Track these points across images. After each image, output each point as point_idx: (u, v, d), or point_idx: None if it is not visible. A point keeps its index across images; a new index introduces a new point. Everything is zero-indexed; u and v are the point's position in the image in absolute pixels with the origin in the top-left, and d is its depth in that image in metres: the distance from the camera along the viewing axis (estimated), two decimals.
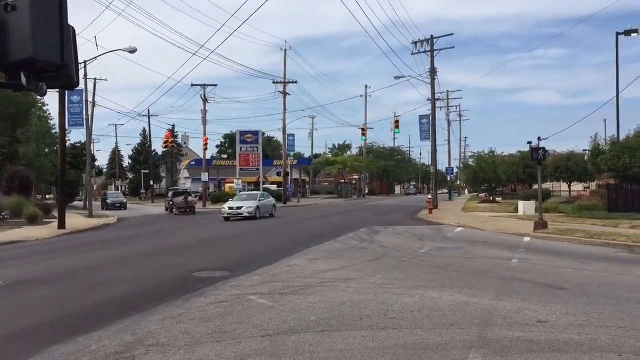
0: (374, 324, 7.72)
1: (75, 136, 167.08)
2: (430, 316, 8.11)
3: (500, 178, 54.02)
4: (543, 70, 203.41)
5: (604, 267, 13.05)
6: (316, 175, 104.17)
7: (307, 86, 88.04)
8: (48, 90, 3.57)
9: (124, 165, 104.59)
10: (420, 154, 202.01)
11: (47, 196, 72.89)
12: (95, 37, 71.25)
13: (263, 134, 71.52)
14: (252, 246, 18.96)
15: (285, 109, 58.09)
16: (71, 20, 3.55)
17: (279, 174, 70.33)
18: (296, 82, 59.41)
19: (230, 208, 33.42)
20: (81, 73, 37.85)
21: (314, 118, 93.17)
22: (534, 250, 16.55)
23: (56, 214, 30.22)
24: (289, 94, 57.89)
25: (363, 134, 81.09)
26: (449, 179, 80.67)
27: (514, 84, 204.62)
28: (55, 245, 21.41)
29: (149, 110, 72.84)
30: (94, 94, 45.83)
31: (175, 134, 79.16)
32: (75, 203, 62.75)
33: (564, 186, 56.74)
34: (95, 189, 59.37)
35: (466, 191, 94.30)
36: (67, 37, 3.45)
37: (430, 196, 41.52)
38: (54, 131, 47.18)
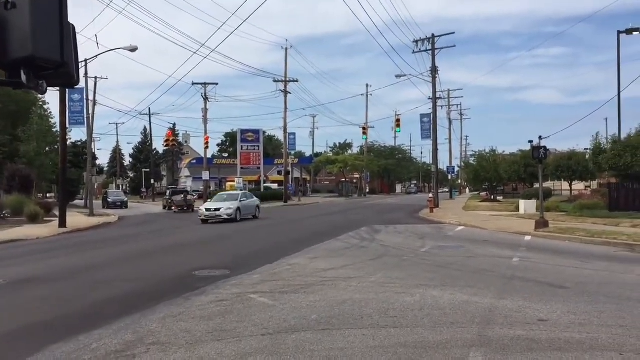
0: (374, 322, 7.72)
1: (76, 135, 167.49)
2: (431, 315, 8.10)
3: (501, 177, 54.00)
4: (544, 69, 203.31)
5: (605, 266, 13.04)
6: (317, 174, 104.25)
7: (308, 85, 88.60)
8: (48, 88, 3.56)
9: (125, 164, 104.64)
10: (421, 152, 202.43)
11: (48, 195, 72.85)
12: (96, 35, 71.59)
13: (264, 132, 71.60)
14: (252, 244, 18.95)
15: (286, 108, 58.08)
16: (71, 19, 3.54)
17: (279, 173, 70.33)
18: (297, 81, 59.43)
19: (207, 209, 30.47)
20: (82, 71, 37.88)
21: (315, 117, 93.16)
22: (535, 249, 16.54)
23: (57, 213, 30.22)
24: (290, 93, 57.90)
25: (364, 133, 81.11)
26: (450, 177, 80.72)
27: (515, 83, 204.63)
28: (56, 243, 21.42)
29: (149, 108, 72.94)
30: (95, 93, 45.85)
31: (176, 133, 79.23)
32: (76, 202, 62.76)
33: (565, 185, 56.73)
34: (96, 187, 59.47)
35: (467, 190, 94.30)
36: (67, 35, 3.44)
37: (431, 195, 41.52)
38: (54, 130, 47.19)
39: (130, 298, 10.02)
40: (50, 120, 50.12)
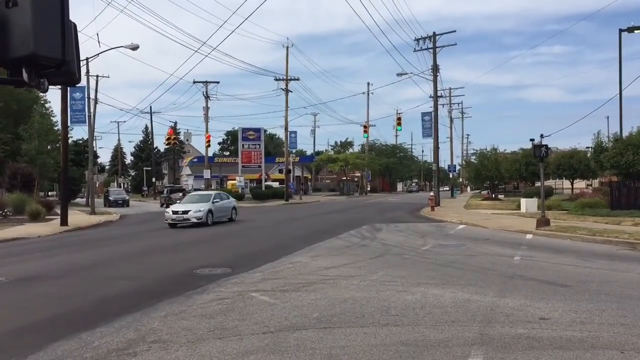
0: (375, 320, 7.72)
1: (78, 133, 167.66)
2: (432, 313, 8.10)
3: (502, 175, 53.95)
4: (546, 67, 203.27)
5: (606, 264, 13.03)
6: (318, 172, 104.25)
7: (309, 83, 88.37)
8: (50, 86, 3.56)
9: (126, 162, 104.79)
10: (422, 151, 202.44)
11: (50, 193, 72.99)
12: (97, 33, 71.56)
13: (265, 131, 71.58)
14: (254, 243, 18.96)
15: (287, 106, 58.02)
16: (73, 17, 3.54)
17: (280, 171, 70.32)
18: (298, 79, 59.41)
19: (174, 212, 26.80)
20: (83, 70, 37.92)
21: (316, 115, 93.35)
22: (536, 247, 16.53)
23: (58, 211, 30.27)
24: (291, 91, 57.89)
25: (365, 131, 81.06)
26: (451, 176, 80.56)
27: (517, 81, 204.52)
28: (57, 242, 21.45)
29: (150, 107, 73.01)
30: (96, 91, 45.83)
31: (178, 131, 79.31)
32: (78, 200, 62.81)
33: (566, 183, 56.70)
34: (97, 186, 59.46)
35: (468, 188, 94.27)
36: (68, 33, 3.44)
37: (432, 193, 41.50)
38: (56, 128, 47.18)
39: (131, 296, 10.03)
40: (51, 118, 50.17)
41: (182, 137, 73.66)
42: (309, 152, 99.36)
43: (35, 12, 3.22)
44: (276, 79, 57.51)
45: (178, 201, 45.09)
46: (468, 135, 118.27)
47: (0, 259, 16.17)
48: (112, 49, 36.98)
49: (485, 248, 16.40)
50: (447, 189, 76.70)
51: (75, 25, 3.60)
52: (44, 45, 3.27)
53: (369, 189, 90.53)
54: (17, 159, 44.06)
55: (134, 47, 35.89)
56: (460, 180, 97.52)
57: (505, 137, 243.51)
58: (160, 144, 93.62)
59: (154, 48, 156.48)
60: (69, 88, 30.76)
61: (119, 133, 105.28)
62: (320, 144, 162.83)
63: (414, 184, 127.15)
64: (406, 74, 48.71)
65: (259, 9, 56.48)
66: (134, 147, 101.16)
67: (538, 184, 36.32)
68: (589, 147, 41.97)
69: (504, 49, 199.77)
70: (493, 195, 54.48)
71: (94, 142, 52.31)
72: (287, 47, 57.27)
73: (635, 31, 33.57)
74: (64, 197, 29.99)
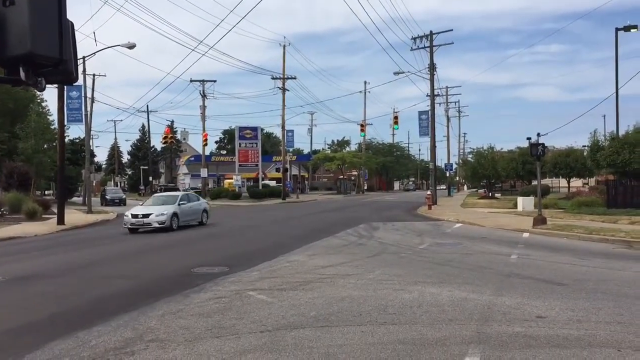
0: (373, 319, 7.73)
1: (74, 132, 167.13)
2: (429, 312, 8.12)
3: (499, 174, 54.03)
4: (543, 65, 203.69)
5: (603, 262, 13.07)
6: (315, 171, 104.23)
7: (306, 82, 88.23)
8: (47, 85, 3.55)
9: (123, 161, 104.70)
10: (419, 149, 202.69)
11: (46, 192, 72.83)
12: (94, 32, 71.43)
13: (262, 129, 71.58)
14: (251, 242, 18.96)
15: (284, 105, 58.02)
16: (70, 16, 3.54)
17: (277, 170, 70.33)
18: (295, 78, 59.45)
19: (134, 216, 23.66)
20: (80, 68, 37.77)
21: (313, 114, 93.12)
22: (533, 246, 16.56)
23: (55, 210, 30.21)
24: (288, 90, 57.84)
25: (362, 130, 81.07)
26: (447, 174, 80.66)
27: (514, 80, 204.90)
28: (54, 241, 21.41)
29: (147, 106, 72.87)
30: (93, 90, 45.73)
31: (174, 130, 79.23)
32: (74, 199, 62.71)
33: (563, 182, 56.77)
34: (94, 184, 59.40)
35: (465, 187, 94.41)
36: (65, 32, 3.44)
37: (429, 192, 41.54)
38: (52, 127, 47.08)
39: (128, 295, 10.03)
40: (48, 117, 50.02)
41: (179, 136, 73.67)
42: (306, 150, 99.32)
43: (32, 11, 3.22)
44: (273, 78, 57.50)
45: None
46: (465, 134, 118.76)
47: None
48: (108, 47, 36.95)
49: (482, 247, 16.42)
50: (444, 187, 76.73)
51: (72, 24, 3.60)
52: (42, 44, 3.27)
53: (365, 187, 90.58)
54: (14, 158, 43.94)
55: (131, 46, 35.83)
56: (457, 178, 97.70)
57: (502, 136, 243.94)
58: (157, 142, 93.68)
59: (151, 46, 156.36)
60: (65, 87, 30.68)
61: (115, 132, 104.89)
62: (317, 143, 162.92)
63: (410, 183, 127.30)
64: (403, 72, 48.77)
65: (255, 7, 56.43)
66: (131, 146, 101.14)
67: (535, 182, 36.39)
68: (585, 146, 42.10)
69: (501, 47, 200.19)
70: (490, 194, 54.55)
71: (91, 141, 52.25)
72: (284, 46, 57.28)
73: (632, 30, 33.61)
74: (60, 196, 29.93)
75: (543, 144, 22.93)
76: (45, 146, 47.68)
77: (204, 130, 57.13)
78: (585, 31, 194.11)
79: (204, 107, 56.71)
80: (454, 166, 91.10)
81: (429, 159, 52.50)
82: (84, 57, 38.35)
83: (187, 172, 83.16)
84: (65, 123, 34.60)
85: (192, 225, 25.51)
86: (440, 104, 69.47)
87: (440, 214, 31.61)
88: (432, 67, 44.30)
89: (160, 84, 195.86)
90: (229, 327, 7.40)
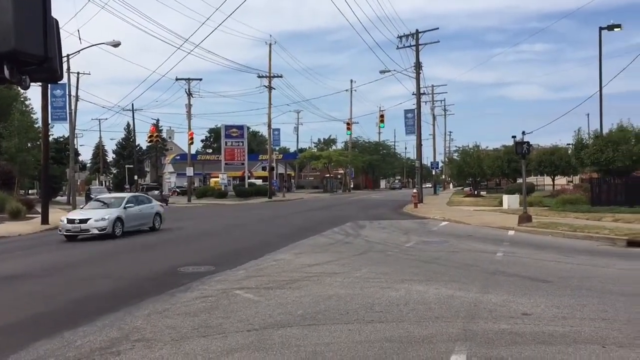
0: (360, 317, 7.75)
1: (59, 131, 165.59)
2: (416, 309, 8.15)
3: (484, 172, 54.37)
4: (527, 64, 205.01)
5: (587, 259, 13.20)
6: (301, 169, 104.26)
7: (293, 80, 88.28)
8: (31, 83, 3.51)
9: (108, 160, 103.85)
10: (405, 148, 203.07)
11: (30, 191, 72.07)
12: (79, 30, 70.68)
13: (248, 128, 71.45)
14: (237, 240, 18.91)
15: (270, 103, 57.92)
16: (54, 13, 3.50)
17: (264, 169, 70.22)
18: (281, 77, 59.33)
19: (69, 221, 20.75)
20: (64, 66, 37.40)
21: (299, 112, 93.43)
22: (518, 243, 16.69)
23: (39, 209, 29.90)
24: (274, 89, 57.81)
25: (348, 129, 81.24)
26: (433, 173, 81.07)
27: (499, 79, 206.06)
28: (38, 240, 21.21)
29: (132, 104, 72.25)
30: (77, 88, 45.40)
31: (160, 128, 78.75)
32: (59, 198, 62.15)
33: (547, 180, 57.28)
34: (78, 183, 58.88)
35: (451, 185, 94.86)
36: (50, 29, 3.40)
37: (415, 190, 41.71)
38: (36, 125, 46.59)
39: (114, 295, 9.96)
40: (32, 116, 49.46)
41: (164, 135, 73.10)
42: (292, 149, 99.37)
43: (16, 8, 3.18)
44: (259, 76, 57.44)
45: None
46: (450, 132, 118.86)
47: None
48: (93, 45, 36.59)
49: (468, 244, 16.52)
50: (430, 186, 77.12)
51: (57, 22, 3.56)
52: (26, 41, 3.23)
53: (352, 186, 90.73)
54: None
55: (116, 44, 35.53)
56: (443, 177, 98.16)
57: (487, 134, 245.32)
58: (142, 141, 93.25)
59: (136, 45, 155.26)
60: (49, 85, 30.37)
61: (100, 130, 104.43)
62: (303, 141, 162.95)
63: (397, 181, 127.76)
64: (389, 71, 48.86)
65: (242, 5, 56.27)
66: (116, 145, 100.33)
67: (520, 180, 36.66)
68: (569, 144, 42.48)
69: (486, 46, 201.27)
70: (475, 192, 54.90)
71: (75, 139, 51.80)
72: (270, 45, 57.21)
73: (615, 29, 33.93)
74: (44, 195, 29.63)
75: (528, 143, 23.11)
76: (29, 145, 47.13)
77: (189, 128, 56.86)
78: (570, 30, 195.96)
79: (189, 106, 56.41)
80: (440, 164, 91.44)
81: (415, 157, 52.69)
82: (68, 55, 37.98)
83: (173, 170, 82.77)
84: (50, 122, 34.25)
85: (143, 231, 22.66)
86: (426, 102, 69.74)
87: (426, 212, 31.73)
88: (418, 66, 44.44)
89: (145, 82, 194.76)
90: (215, 326, 7.38)
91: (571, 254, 14.18)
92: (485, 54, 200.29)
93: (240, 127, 64.65)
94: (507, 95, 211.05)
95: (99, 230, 20.44)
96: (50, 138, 44.13)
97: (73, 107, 42.12)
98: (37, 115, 46.59)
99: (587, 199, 29.83)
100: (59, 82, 4.74)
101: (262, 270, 12.04)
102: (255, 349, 6.38)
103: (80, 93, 45.81)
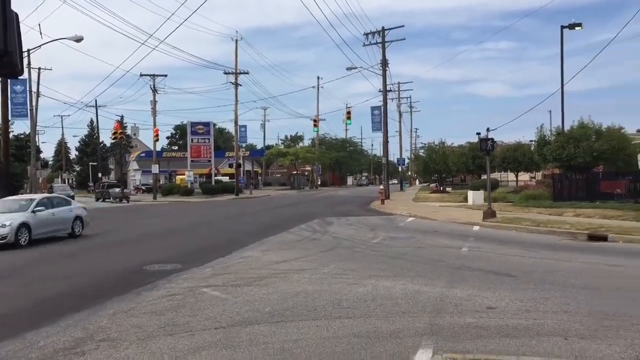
0: (327, 313, 7.77)
1: (19, 127, 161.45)
2: (383, 305, 8.21)
3: (450, 168, 55.09)
4: (492, 62, 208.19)
5: (550, 254, 13.49)
6: (268, 166, 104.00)
7: (259, 77, 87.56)
8: None
9: (71, 157, 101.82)
10: (372, 145, 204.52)
11: None
12: (40, 24, 68.81)
13: (214, 125, 70.88)
14: (204, 238, 18.75)
15: (236, 100, 57.53)
16: (14, 6, 3.42)
17: (230, 166, 69.73)
18: (247, 73, 58.95)
19: None
20: (25, 61, 36.52)
21: (266, 109, 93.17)
22: (483, 238, 16.96)
23: None
24: (241, 85, 57.42)
25: (315, 125, 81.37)
26: (400, 169, 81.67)
27: (464, 76, 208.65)
28: None
29: (96, 100, 71.19)
30: (38, 84, 44.37)
31: (124, 125, 77.59)
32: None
33: (511, 176, 58.31)
34: (40, 181, 57.57)
35: (417, 181, 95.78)
36: (10, 23, 3.32)
37: (381, 187, 41.99)
38: None
39: (78, 294, 9.77)
40: None
41: (129, 132, 72.08)
42: (259, 146, 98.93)
43: None
44: (225, 73, 56.98)
45: (117, 199, 48.16)
46: (417, 129, 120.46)
47: None
48: (55, 40, 35.78)
49: (434, 240, 16.71)
50: (397, 182, 77.68)
51: (17, 15, 3.47)
52: None
53: (319, 182, 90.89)
54: None
55: (78, 39, 34.82)
56: (410, 173, 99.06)
57: (453, 131, 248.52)
58: (106, 138, 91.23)
59: (99, 40, 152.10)
60: (9, 80, 29.64)
61: (62, 127, 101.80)
62: (270, 138, 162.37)
63: (364, 178, 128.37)
64: (355, 68, 49.01)
65: (207, 1, 55.71)
66: (79, 142, 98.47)
67: (484, 176, 37.22)
68: (532, 141, 43.21)
69: (452, 44, 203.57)
70: (441, 188, 55.59)
71: (37, 136, 50.62)
72: (236, 41, 56.81)
73: (576, 28, 34.66)
74: (5, 194, 28.87)
75: (492, 139, 23.50)
76: None
77: (154, 125, 56.09)
78: (532, 29, 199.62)
79: (154, 102, 55.63)
80: (406, 161, 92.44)
81: (382, 154, 53.06)
82: (29, 50, 37.09)
83: (138, 168, 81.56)
84: (10, 118, 33.43)
85: (59, 238, 19.37)
86: (392, 99, 70.25)
87: (393, 208, 31.99)
88: (384, 63, 44.70)
89: (109, 79, 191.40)
90: (182, 325, 7.31)
91: (534, 248, 14.47)
92: (450, 51, 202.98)
93: (207, 124, 64.06)
94: (472, 93, 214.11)
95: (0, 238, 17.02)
96: (11, 135, 43.01)
97: (34, 104, 41.20)
98: None
99: (549, 194, 30.50)
100: (19, 77, 4.63)
101: (229, 268, 11.97)
102: (223, 347, 6.34)
103: (41, 89, 44.84)
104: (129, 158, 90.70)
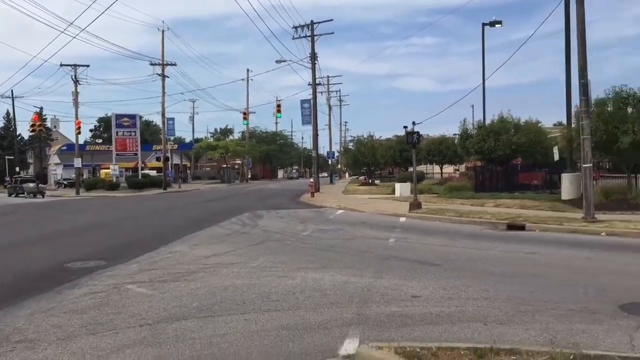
0: (256, 307, 7.74)
1: None
2: (311, 297, 8.27)
3: (378, 161, 56.01)
4: (418, 57, 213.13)
5: (472, 243, 14.00)
6: (198, 160, 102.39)
7: (187, 69, 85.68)
8: None
9: None
10: (302, 138, 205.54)
11: None
12: None
13: (141, 117, 68.99)
14: (130, 234, 18.25)
15: (163, 92, 56.20)
16: None
17: (158, 159, 68.11)
18: (175, 64, 57.71)
19: None
20: None
21: (195, 102, 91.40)
22: (409, 229, 17.37)
23: None
24: (168, 77, 56.23)
25: (245, 118, 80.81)
26: (330, 162, 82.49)
27: (392, 70, 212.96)
28: None
29: (12, 91, 67.61)
30: None
31: (44, 117, 74.22)
32: None
33: (436, 168, 60.06)
34: None
35: (347, 174, 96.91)
36: None
37: (311, 180, 42.19)
38: None
39: None
40: None
41: (49, 124, 69.00)
42: (188, 139, 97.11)
43: None
44: (152, 64, 55.57)
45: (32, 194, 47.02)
46: (346, 122, 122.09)
47: None
48: None
49: (362, 231, 16.97)
50: (327, 175, 78.36)
51: None
52: None
53: (249, 176, 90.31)
54: None
55: None
56: (339, 166, 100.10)
57: (381, 125, 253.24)
58: (24, 131, 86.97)
59: (14, 27, 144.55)
60: None
61: None
62: (199, 131, 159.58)
63: (294, 171, 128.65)
64: (285, 61, 49.03)
65: None
66: None
67: (411, 169, 38.09)
68: (456, 134, 44.53)
69: (379, 38, 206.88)
70: (370, 181, 56.46)
71: None
72: (163, 31, 55.44)
73: (497, 25, 35.98)
74: None
75: (418, 132, 24.09)
76: None
77: (76, 117, 53.99)
78: (456, 26, 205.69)
79: (76, 93, 53.49)
80: (336, 154, 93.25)
81: (312, 147, 53.31)
82: None
83: (59, 162, 78.32)
84: None
85: None
86: (322, 92, 70.73)
87: (322, 201, 32.22)
88: (313, 56, 44.86)
89: (26, 68, 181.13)
90: (105, 323, 7.09)
91: (457, 238, 14.97)
92: (378, 46, 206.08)
93: (133, 117, 62.27)
94: (399, 87, 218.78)
95: None
96: None
97: None
98: None
99: (471, 186, 31.62)
100: None
101: (157, 264, 11.70)
102: (148, 344, 6.20)
103: None
104: (49, 151, 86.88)
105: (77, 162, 54.24)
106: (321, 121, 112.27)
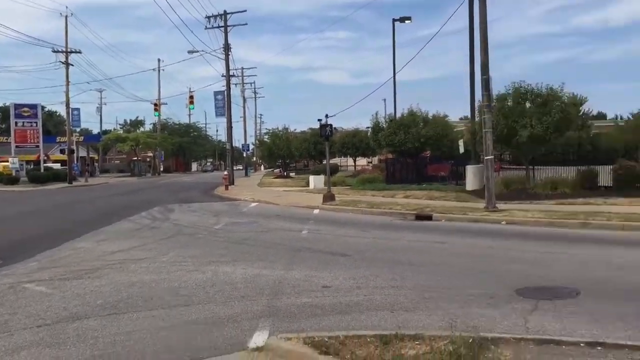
0: (165, 303, 7.56)
1: None
2: (222, 290, 8.17)
3: (293, 154, 56.15)
4: (333, 51, 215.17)
5: (382, 233, 14.33)
6: (106, 152, 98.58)
7: (94, 57, 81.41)
8: None
9: None
10: (217, 130, 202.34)
11: None
12: None
13: (43, 107, 65.49)
14: (29, 229, 17.28)
15: (67, 81, 53.55)
16: None
17: (62, 152, 64.88)
18: (80, 52, 55.00)
19: None
20: None
21: (102, 91, 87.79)
22: (322, 221, 17.54)
23: None
24: (72, 65, 53.49)
25: (156, 110, 78.56)
26: (245, 155, 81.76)
27: (306, 63, 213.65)
28: None
29: None
30: None
31: None
32: None
33: (350, 161, 60.90)
34: None
35: (262, 167, 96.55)
36: None
37: (226, 172, 41.68)
38: None
39: None
40: None
41: None
42: (96, 131, 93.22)
43: None
44: (54, 51, 52.75)
45: None
46: (261, 115, 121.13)
47: None
48: None
49: (276, 224, 16.96)
50: (242, 168, 77.66)
51: None
52: None
53: (162, 169, 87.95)
54: None
55: None
56: (254, 159, 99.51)
57: (296, 117, 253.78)
58: None
59: None
60: None
61: None
62: (108, 123, 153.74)
63: (208, 164, 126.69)
64: (197, 51, 47.90)
65: None
66: None
67: (325, 161, 38.47)
68: (369, 127, 45.38)
69: (294, 31, 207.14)
70: (285, 174, 56.50)
71: None
72: (66, 17, 52.70)
73: (406, 21, 36.96)
74: None
75: (331, 125, 24.33)
76: None
77: None
78: (368, 21, 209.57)
79: None
80: (251, 147, 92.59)
81: (226, 140, 52.63)
82: None
83: None
84: None
85: None
86: (236, 84, 69.96)
87: (237, 193, 31.92)
88: (227, 47, 44.19)
89: None
90: None
91: (368, 228, 15.28)
92: (292, 38, 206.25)
93: (34, 106, 58.91)
94: (314, 80, 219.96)
95: None
96: None
97: None
98: None
99: (383, 178, 32.34)
100: None
101: (59, 261, 11.16)
102: (47, 345, 5.90)
103: None
104: None
105: None
106: (236, 113, 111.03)
